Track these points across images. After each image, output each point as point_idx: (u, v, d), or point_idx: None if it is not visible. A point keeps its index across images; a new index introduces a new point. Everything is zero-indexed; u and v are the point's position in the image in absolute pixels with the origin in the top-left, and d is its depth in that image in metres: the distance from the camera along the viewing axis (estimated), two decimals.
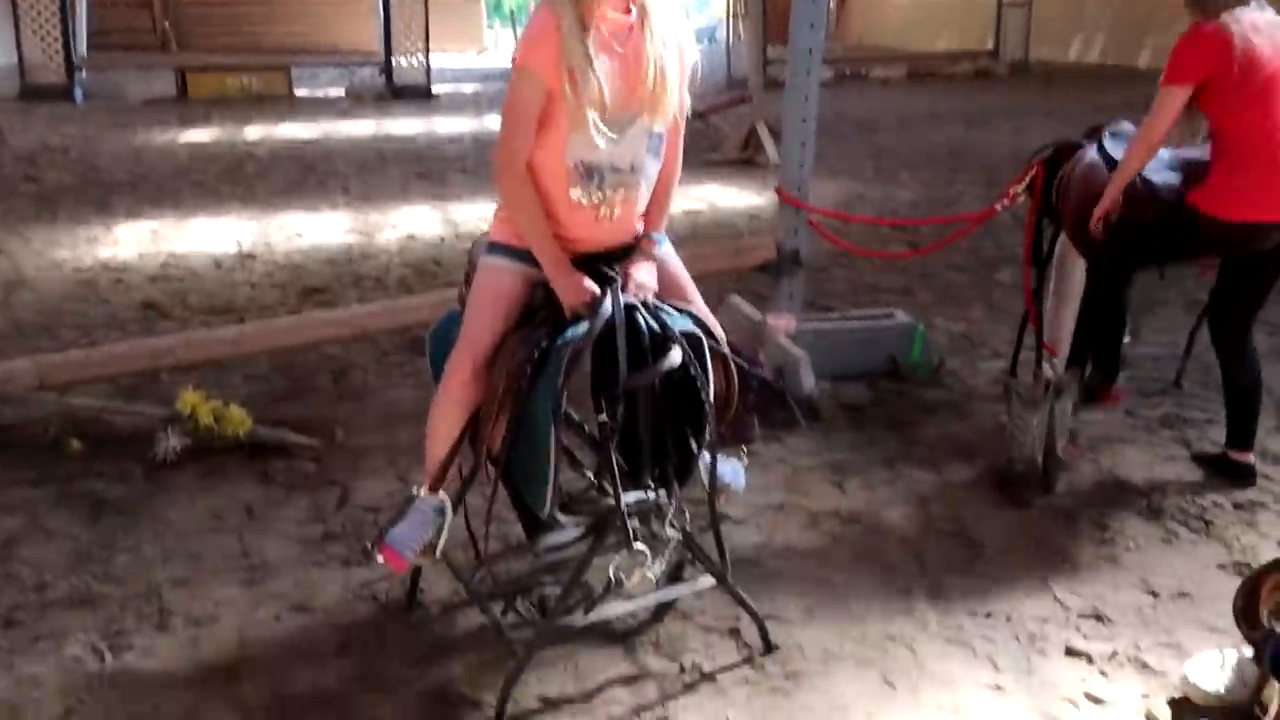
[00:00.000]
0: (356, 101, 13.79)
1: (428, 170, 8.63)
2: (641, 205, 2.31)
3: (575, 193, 2.18)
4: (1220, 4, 2.92)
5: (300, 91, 14.53)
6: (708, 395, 2.16)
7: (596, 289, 2.17)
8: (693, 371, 2.15)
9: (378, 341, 4.28)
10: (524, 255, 2.23)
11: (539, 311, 2.23)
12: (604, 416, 2.10)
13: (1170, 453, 3.37)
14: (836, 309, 4.78)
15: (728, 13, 18.18)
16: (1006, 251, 5.53)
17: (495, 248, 2.27)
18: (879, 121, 11.40)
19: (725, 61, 16.41)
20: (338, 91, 14.59)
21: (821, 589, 2.64)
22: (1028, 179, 3.55)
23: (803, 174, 3.95)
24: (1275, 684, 2.04)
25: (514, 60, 2.16)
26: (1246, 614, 2.13)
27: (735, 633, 2.45)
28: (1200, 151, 3.40)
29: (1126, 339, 3.73)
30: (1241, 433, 3.18)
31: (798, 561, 2.77)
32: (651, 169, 2.28)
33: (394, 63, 14.35)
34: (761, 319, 4.05)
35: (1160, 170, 3.22)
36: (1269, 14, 2.97)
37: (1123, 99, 12.70)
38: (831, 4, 25.29)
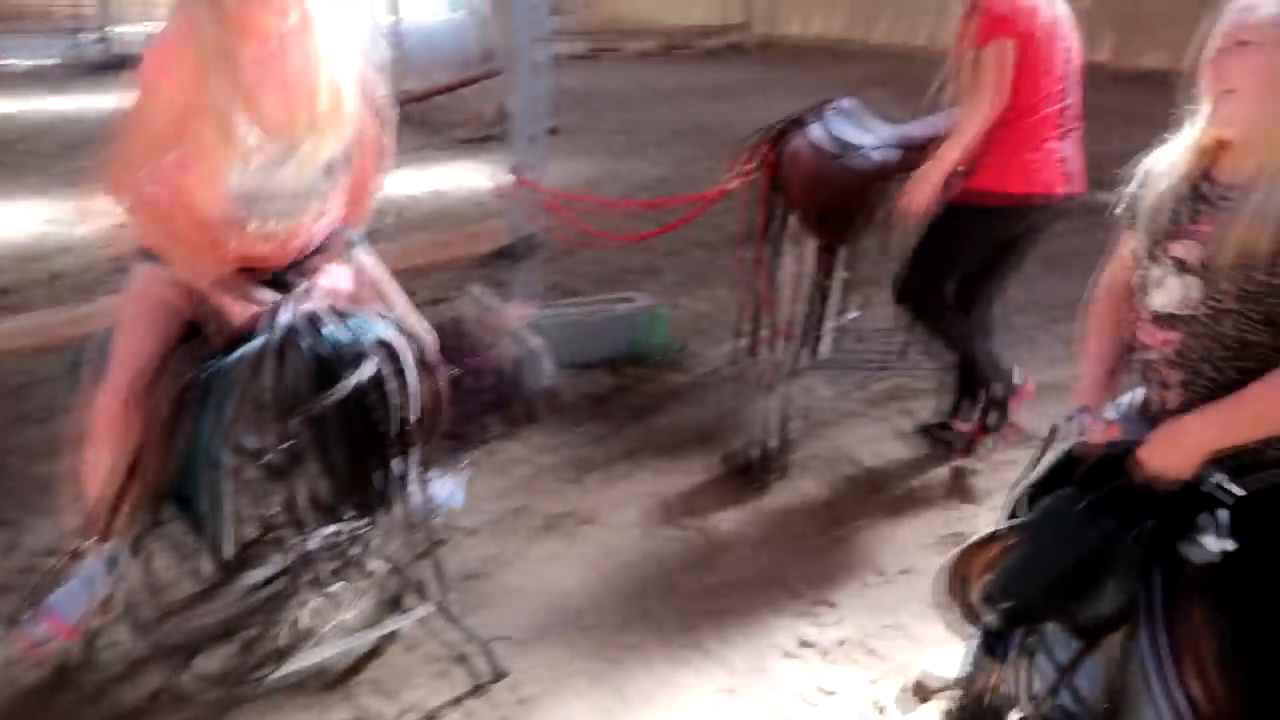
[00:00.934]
0: (71, 72, 12.47)
1: None
2: (325, 220, 2.06)
3: (242, 222, 1.91)
4: None
5: (5, 61, 12.99)
6: (409, 412, 1.97)
7: (270, 298, 1.92)
8: (391, 386, 1.94)
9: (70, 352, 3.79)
10: None
11: (205, 325, 1.96)
12: (286, 444, 1.87)
13: (896, 426, 3.47)
14: (584, 293, 4.67)
15: None
16: (751, 225, 5.59)
17: (146, 253, 1.97)
18: (632, 96, 11.41)
19: (479, 32, 16.03)
20: (52, 61, 13.14)
21: (554, 602, 2.51)
22: (758, 157, 3.55)
23: (535, 152, 3.80)
24: (994, 666, 2.07)
25: (141, 69, 1.82)
26: (956, 594, 2.15)
27: (463, 660, 2.28)
28: (921, 128, 3.50)
29: (855, 312, 3.79)
30: (966, 402, 3.23)
31: (531, 573, 2.63)
32: (331, 188, 2.03)
33: (112, 31, 13.06)
34: (500, 306, 3.87)
35: (883, 148, 3.28)
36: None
37: (863, 72, 13.37)
38: None
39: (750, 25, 16.92)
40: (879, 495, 3.03)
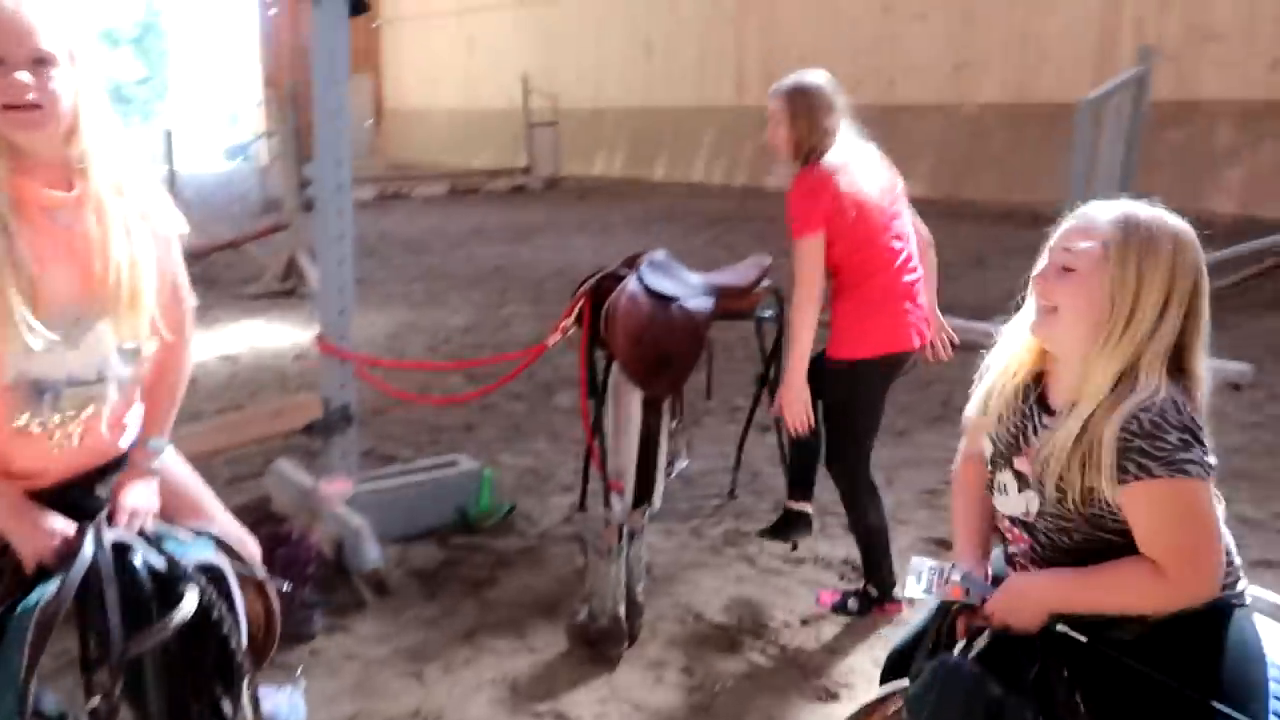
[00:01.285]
0: None
1: None
2: (124, 415, 1.85)
3: (23, 418, 1.68)
4: (820, 149, 2.96)
5: None
6: (238, 642, 1.75)
7: (70, 529, 1.68)
8: (216, 615, 1.72)
9: None
10: None
11: None
12: (95, 700, 1.61)
13: (739, 573, 3.44)
14: (399, 457, 4.46)
15: (257, 131, 17.45)
16: (562, 373, 5.56)
17: None
18: (426, 241, 11.36)
19: (260, 182, 15.66)
20: None
21: None
22: (575, 311, 3.53)
23: (344, 322, 3.63)
24: None
25: None
26: None
27: None
28: (732, 275, 3.59)
29: (685, 461, 3.78)
30: (873, 568, 3.16)
31: None
32: (130, 372, 1.82)
33: None
34: (314, 485, 3.62)
35: (698, 298, 3.34)
36: (862, 145, 3.07)
37: (643, 208, 13.92)
38: (367, 123, 25.33)
39: (534, 167, 17.34)
40: (736, 655, 2.95)
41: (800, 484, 3.35)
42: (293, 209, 8.58)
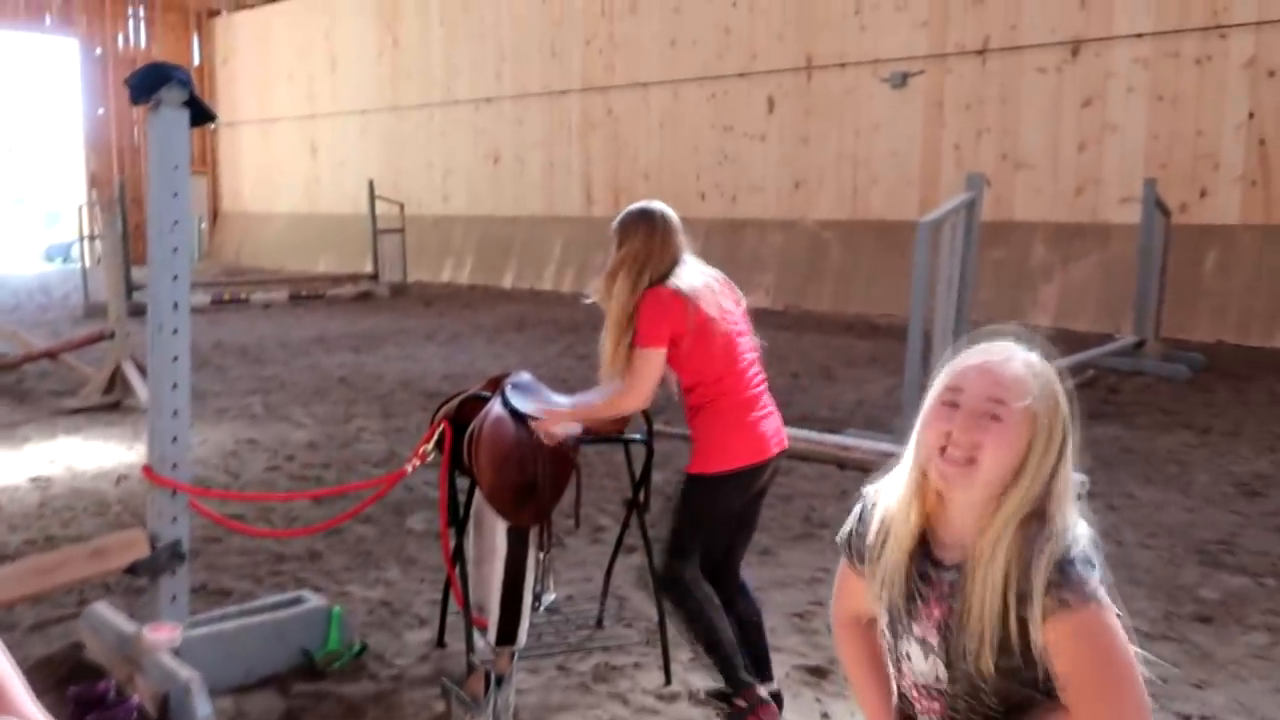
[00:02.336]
0: None
1: None
2: None
3: None
4: (661, 272, 3.03)
5: None
6: None
7: None
8: None
9: None
10: None
11: None
12: None
13: (612, 713, 3.25)
14: (235, 592, 4.10)
15: (80, 232, 16.55)
16: (416, 494, 5.30)
17: None
18: (266, 350, 10.87)
19: (82, 285, 14.79)
20: None
21: None
22: (436, 435, 3.36)
23: (178, 450, 3.33)
24: None
25: None
26: None
27: None
28: (599, 397, 3.50)
29: (552, 594, 3.60)
30: (762, 663, 3.13)
31: None
32: None
33: None
34: (137, 632, 3.26)
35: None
36: (703, 267, 3.12)
37: (493, 317, 13.80)
38: (203, 225, 24.48)
39: (380, 274, 17.03)
40: None
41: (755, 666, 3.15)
42: (118, 316, 8.05)
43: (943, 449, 1.56)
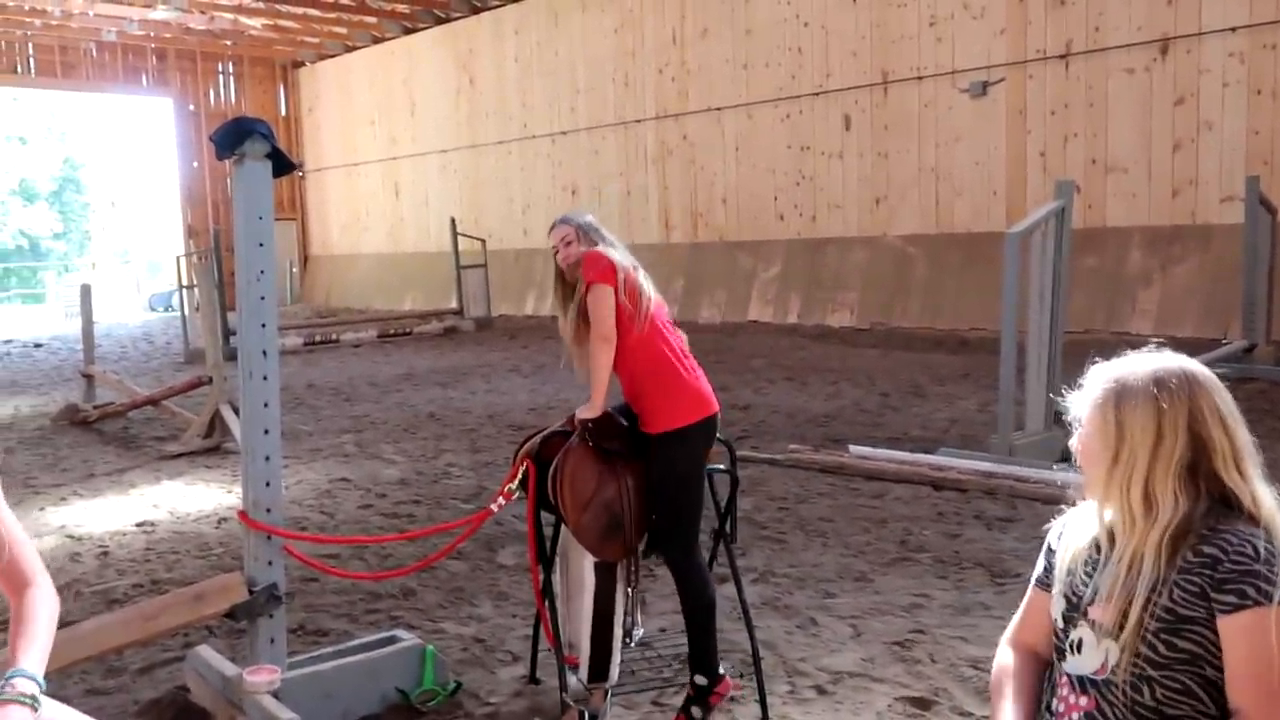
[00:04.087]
0: None
1: None
2: None
3: None
4: (596, 238, 3.38)
5: None
6: None
7: None
8: None
9: None
10: None
11: None
12: None
13: None
14: (332, 632, 4.15)
15: (179, 281, 17.18)
16: (506, 527, 5.32)
17: None
18: (356, 388, 11.09)
19: (183, 332, 15.34)
20: None
21: None
22: (520, 474, 3.35)
23: (271, 494, 3.38)
24: None
25: None
26: None
27: None
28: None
29: (641, 630, 3.56)
30: (703, 653, 3.22)
31: None
32: None
33: None
34: (237, 675, 3.30)
35: None
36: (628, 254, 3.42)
37: None
38: (294, 269, 25.23)
39: (465, 309, 17.30)
40: None
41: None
42: (215, 363, 8.30)
43: None
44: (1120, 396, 1.68)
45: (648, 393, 3.24)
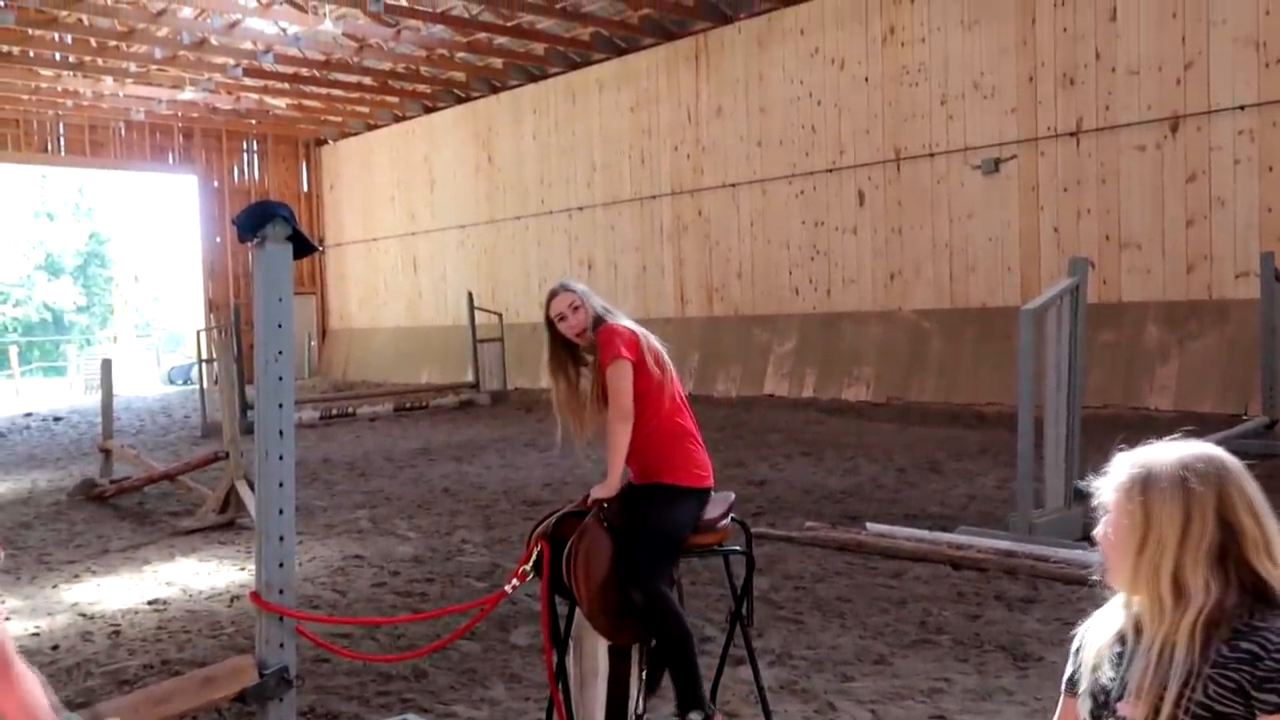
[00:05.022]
0: None
1: None
2: None
3: None
4: (600, 308, 3.48)
5: None
6: None
7: None
8: None
9: None
10: None
11: None
12: None
13: None
14: (341, 715, 4.09)
15: (199, 355, 17.33)
16: (520, 607, 5.26)
17: None
18: (371, 463, 11.10)
19: (201, 406, 15.43)
20: None
21: None
22: (534, 556, 3.33)
23: (284, 575, 3.37)
24: None
25: None
26: None
27: None
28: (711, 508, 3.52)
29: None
30: (691, 687, 3.20)
31: None
32: None
33: None
34: None
35: None
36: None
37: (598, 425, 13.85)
38: (313, 342, 25.44)
39: (481, 382, 17.36)
40: None
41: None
42: (232, 438, 8.33)
43: None
44: (1147, 482, 1.66)
45: (667, 453, 3.34)
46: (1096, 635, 1.74)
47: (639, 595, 3.15)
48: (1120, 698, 1.65)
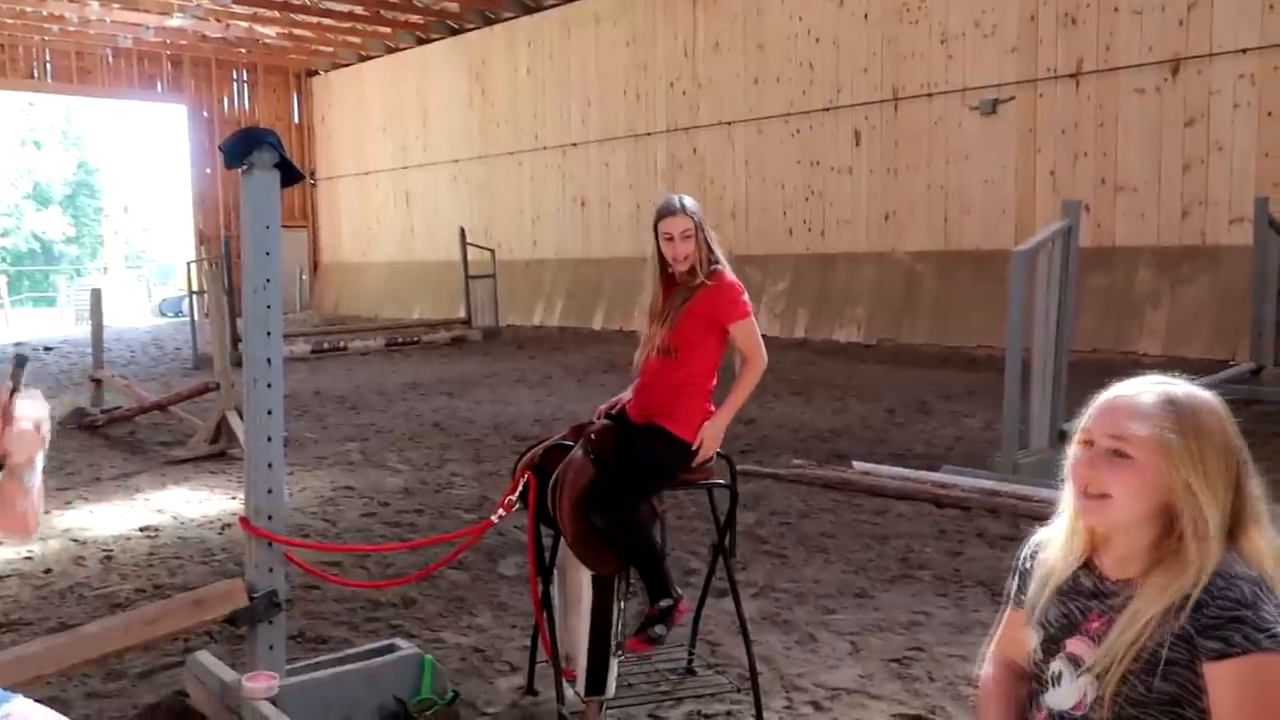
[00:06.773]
0: None
1: None
2: None
3: None
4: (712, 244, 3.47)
5: None
6: None
7: None
8: None
9: None
10: None
11: None
12: None
13: None
14: (332, 639, 4.16)
15: (189, 287, 17.26)
16: (508, 538, 5.32)
17: None
18: (362, 397, 11.13)
19: (192, 338, 15.41)
20: None
21: None
22: (520, 487, 3.36)
23: (274, 501, 3.40)
24: None
25: None
26: None
27: None
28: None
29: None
30: (660, 579, 3.28)
31: None
32: None
33: None
34: (236, 681, 3.31)
35: None
36: None
37: (583, 358, 13.90)
38: (304, 276, 25.33)
39: (473, 318, 17.33)
40: None
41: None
42: (223, 369, 8.33)
43: (1085, 488, 1.58)
44: (1200, 428, 1.52)
45: (682, 403, 3.34)
46: (1048, 559, 1.68)
47: (599, 519, 3.12)
48: (1070, 635, 1.60)
